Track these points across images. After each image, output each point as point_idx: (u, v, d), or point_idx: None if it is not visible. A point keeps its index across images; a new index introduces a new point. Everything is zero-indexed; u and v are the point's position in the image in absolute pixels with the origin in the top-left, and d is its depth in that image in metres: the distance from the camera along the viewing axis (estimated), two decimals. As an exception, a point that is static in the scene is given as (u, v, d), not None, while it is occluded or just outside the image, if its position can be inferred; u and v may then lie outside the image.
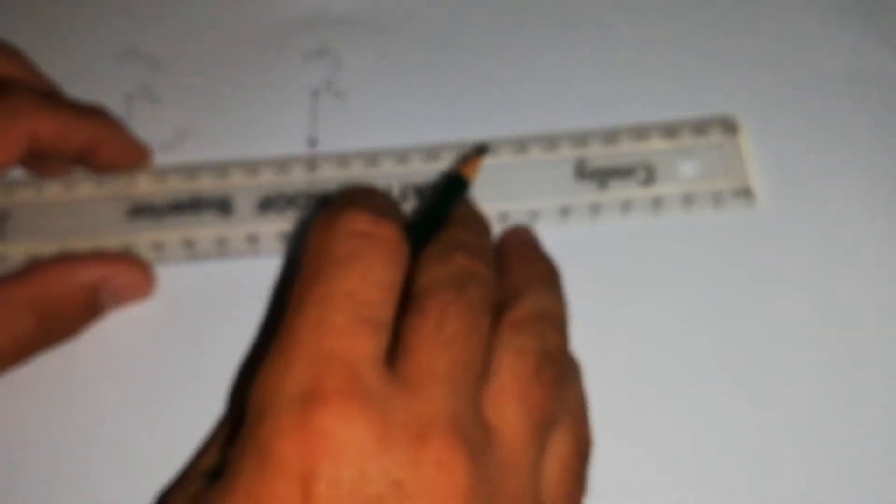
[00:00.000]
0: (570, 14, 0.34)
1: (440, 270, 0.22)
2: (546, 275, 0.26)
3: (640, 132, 0.31)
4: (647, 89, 0.32)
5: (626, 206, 0.30)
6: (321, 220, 0.23)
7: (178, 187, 0.31)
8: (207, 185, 0.31)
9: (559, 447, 0.23)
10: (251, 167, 0.31)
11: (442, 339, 0.21)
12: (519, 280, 0.25)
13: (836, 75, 0.33)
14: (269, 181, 0.31)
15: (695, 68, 0.33)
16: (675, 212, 0.30)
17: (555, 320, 0.24)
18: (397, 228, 0.22)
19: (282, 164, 0.31)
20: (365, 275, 0.21)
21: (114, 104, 0.33)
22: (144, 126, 0.33)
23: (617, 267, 0.30)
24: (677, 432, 0.28)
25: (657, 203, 0.30)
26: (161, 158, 0.32)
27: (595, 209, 0.30)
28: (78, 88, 0.33)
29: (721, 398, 0.28)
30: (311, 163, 0.31)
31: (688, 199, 0.30)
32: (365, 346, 0.20)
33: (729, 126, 0.31)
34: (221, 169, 0.31)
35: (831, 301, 0.29)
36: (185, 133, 0.33)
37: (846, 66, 0.33)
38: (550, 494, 0.22)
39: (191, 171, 0.31)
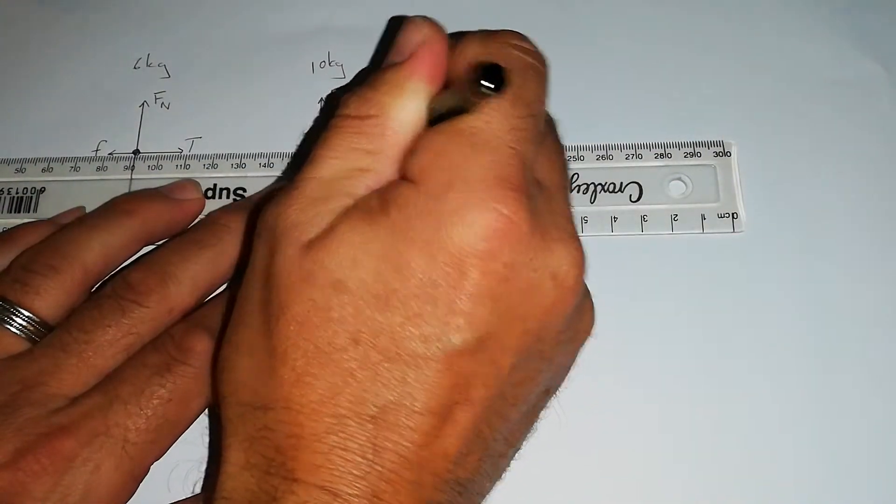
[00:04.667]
0: (572, 36, 0.35)
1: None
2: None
3: (634, 151, 0.33)
4: (644, 111, 0.34)
5: (614, 220, 0.32)
6: (482, 34, 0.24)
7: (199, 175, 0.33)
8: (225, 174, 0.34)
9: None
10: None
11: (561, 167, 0.25)
12: None
13: (821, 86, 0.34)
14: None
15: (689, 94, 0.34)
16: (660, 229, 0.32)
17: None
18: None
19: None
20: (539, 90, 0.23)
21: (129, 112, 0.35)
22: (158, 133, 0.35)
23: (606, 274, 0.31)
24: (659, 443, 0.29)
25: (644, 219, 0.32)
26: (173, 164, 0.34)
27: (585, 219, 0.32)
28: (95, 97, 0.35)
29: (703, 405, 0.29)
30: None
31: (674, 218, 0.32)
32: (533, 154, 0.23)
33: (721, 150, 0.33)
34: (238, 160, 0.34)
35: (810, 317, 0.30)
36: (197, 140, 0.35)
37: (831, 76, 0.34)
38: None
39: (211, 160, 0.34)
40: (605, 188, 0.32)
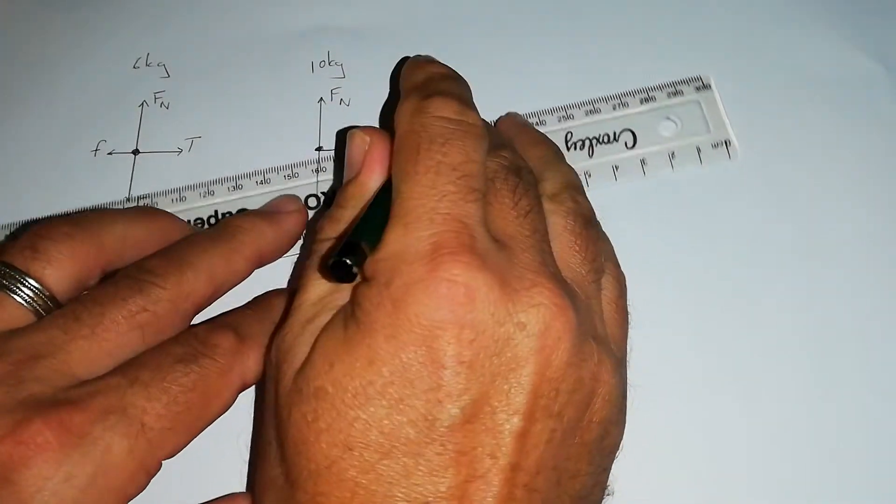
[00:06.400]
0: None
1: (496, 162, 0.25)
2: (555, 151, 0.29)
3: (620, 100, 0.34)
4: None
5: (616, 169, 0.33)
6: (412, 106, 0.25)
7: (196, 204, 0.33)
8: (223, 198, 0.33)
9: (608, 290, 0.26)
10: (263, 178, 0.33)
11: (521, 212, 0.24)
12: (535, 160, 0.28)
13: (821, 85, 0.34)
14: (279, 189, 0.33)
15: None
16: (661, 169, 0.32)
17: (579, 188, 0.27)
18: (479, 116, 0.25)
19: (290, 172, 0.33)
20: (464, 152, 0.23)
21: (128, 111, 0.35)
22: (157, 133, 0.34)
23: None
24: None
25: (644, 163, 0.33)
26: (173, 164, 0.34)
27: (588, 174, 0.32)
28: (94, 96, 0.35)
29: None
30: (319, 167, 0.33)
31: (671, 156, 0.33)
32: (475, 212, 0.22)
33: (701, 85, 0.34)
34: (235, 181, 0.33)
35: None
36: (197, 139, 0.34)
37: (831, 75, 0.34)
38: (609, 328, 0.25)
39: (206, 188, 0.33)
40: (601, 140, 0.33)
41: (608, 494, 0.25)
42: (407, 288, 0.21)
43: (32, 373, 0.23)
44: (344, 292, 0.23)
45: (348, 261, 0.22)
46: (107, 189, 0.33)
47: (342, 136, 0.34)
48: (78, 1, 0.37)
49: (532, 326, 0.21)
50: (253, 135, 0.34)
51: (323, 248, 0.25)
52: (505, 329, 0.21)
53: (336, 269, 0.22)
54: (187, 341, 0.26)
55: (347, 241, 0.23)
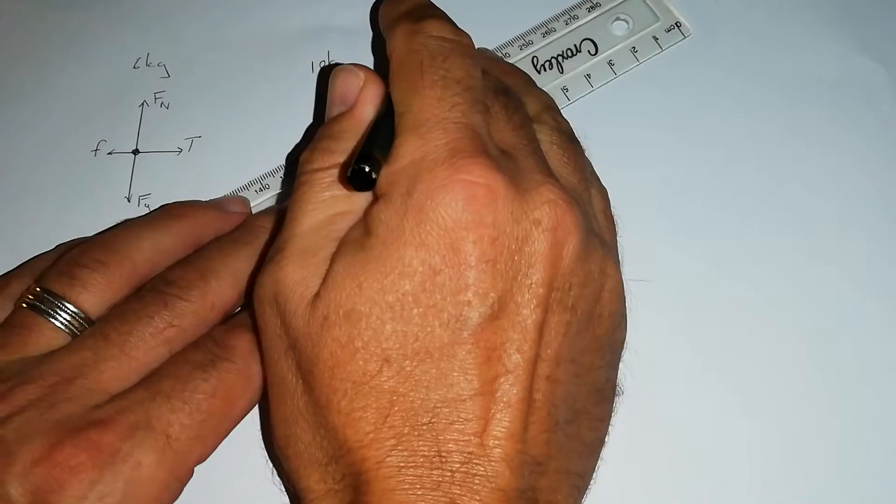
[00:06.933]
0: None
1: (484, 84, 0.25)
2: (527, 79, 0.30)
3: (569, 14, 0.35)
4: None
5: (589, 77, 0.34)
6: (406, 29, 0.25)
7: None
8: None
9: (595, 200, 0.27)
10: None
11: (516, 125, 0.25)
12: (512, 87, 0.28)
13: (821, 86, 0.34)
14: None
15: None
16: (628, 65, 0.34)
17: (556, 108, 0.29)
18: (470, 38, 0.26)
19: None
20: (464, 68, 0.24)
21: (128, 111, 0.35)
22: (157, 133, 0.34)
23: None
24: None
25: (611, 65, 0.34)
26: (173, 163, 0.34)
27: (565, 90, 0.34)
28: (95, 96, 0.35)
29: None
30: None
31: (634, 51, 0.34)
32: (482, 122, 0.23)
33: (637, -20, 0.35)
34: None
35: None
36: (197, 139, 0.34)
37: (831, 75, 0.34)
38: (600, 232, 0.26)
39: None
40: (565, 55, 0.34)
41: (619, 394, 0.26)
42: (431, 193, 0.21)
43: (65, 394, 0.24)
44: (340, 224, 0.24)
45: (367, 167, 0.22)
46: (107, 189, 0.33)
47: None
48: (78, 1, 0.37)
49: (546, 223, 0.22)
50: (253, 135, 0.34)
51: (315, 178, 0.24)
52: (522, 226, 0.22)
53: (355, 178, 0.22)
54: (205, 346, 0.26)
55: (363, 151, 0.23)
